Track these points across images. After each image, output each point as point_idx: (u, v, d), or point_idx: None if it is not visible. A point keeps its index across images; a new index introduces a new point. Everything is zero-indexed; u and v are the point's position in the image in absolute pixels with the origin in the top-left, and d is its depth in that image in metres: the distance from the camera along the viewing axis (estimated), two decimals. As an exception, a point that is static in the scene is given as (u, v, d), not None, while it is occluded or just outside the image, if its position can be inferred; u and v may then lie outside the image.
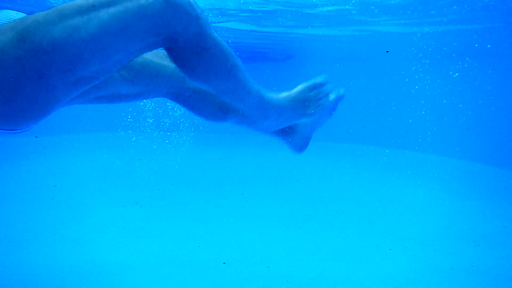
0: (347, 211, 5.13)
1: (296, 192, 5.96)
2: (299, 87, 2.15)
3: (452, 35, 9.54)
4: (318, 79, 2.16)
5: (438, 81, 10.67)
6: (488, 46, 9.93)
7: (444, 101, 10.37)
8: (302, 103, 2.15)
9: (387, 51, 10.84)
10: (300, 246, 3.89)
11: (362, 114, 11.70)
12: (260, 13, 8.37)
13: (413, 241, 4.15)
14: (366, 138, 10.90)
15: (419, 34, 9.46)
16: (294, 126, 2.30)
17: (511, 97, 9.38)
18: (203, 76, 1.56)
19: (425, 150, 9.91)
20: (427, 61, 10.99)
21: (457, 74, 10.41)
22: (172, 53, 1.44)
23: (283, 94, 2.10)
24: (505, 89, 9.56)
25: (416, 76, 11.05)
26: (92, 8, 1.24)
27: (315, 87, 2.15)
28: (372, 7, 7.49)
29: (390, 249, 3.89)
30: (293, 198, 5.62)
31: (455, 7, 7.40)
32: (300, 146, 2.45)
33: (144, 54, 1.48)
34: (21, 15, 1.34)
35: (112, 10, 1.25)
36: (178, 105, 2.03)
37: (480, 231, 4.58)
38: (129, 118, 10.60)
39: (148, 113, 11.06)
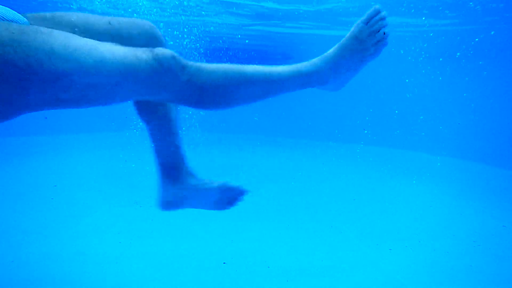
0: (347, 211, 5.13)
1: (296, 192, 5.95)
2: (351, 29, 1.96)
3: (454, 35, 9.54)
4: (371, 10, 1.94)
5: (439, 81, 10.68)
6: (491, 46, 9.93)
7: (444, 101, 10.38)
8: (358, 45, 1.97)
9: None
10: (300, 246, 3.89)
11: (362, 114, 11.71)
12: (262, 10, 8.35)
13: (413, 241, 4.15)
14: (366, 138, 10.90)
15: (425, 35, 9.46)
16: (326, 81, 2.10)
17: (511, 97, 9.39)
18: (223, 104, 1.61)
19: (425, 150, 9.91)
20: (427, 62, 11.00)
21: (457, 74, 10.42)
22: (173, 101, 1.53)
23: (330, 50, 1.97)
24: (505, 89, 9.56)
25: (416, 76, 11.06)
26: (96, 47, 1.28)
27: (368, 20, 1.93)
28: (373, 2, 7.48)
29: (390, 249, 3.89)
30: (293, 198, 5.62)
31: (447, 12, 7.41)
32: (336, 85, 2.17)
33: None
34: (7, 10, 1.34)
35: (113, 55, 1.30)
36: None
37: (480, 231, 4.58)
38: (129, 118, 10.59)
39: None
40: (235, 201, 2.25)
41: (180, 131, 2.01)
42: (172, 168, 2.13)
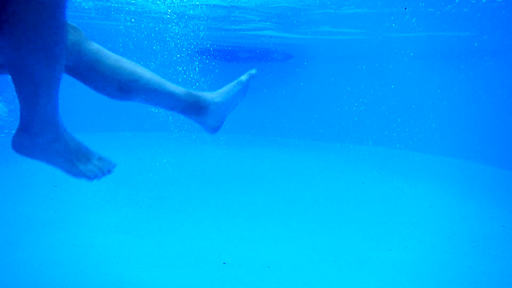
0: (347, 211, 5.13)
1: (296, 192, 5.95)
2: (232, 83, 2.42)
3: (457, 36, 9.55)
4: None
5: (439, 81, 10.67)
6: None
7: (445, 101, 10.38)
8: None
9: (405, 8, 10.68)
10: (300, 246, 3.89)
11: (362, 114, 11.70)
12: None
13: (413, 241, 4.15)
14: (367, 138, 10.90)
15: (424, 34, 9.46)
16: (206, 107, 2.33)
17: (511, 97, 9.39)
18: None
19: (425, 150, 9.92)
20: (427, 62, 11.00)
21: (458, 74, 10.41)
22: None
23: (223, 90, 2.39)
24: (505, 89, 9.55)
25: (417, 77, 11.05)
26: None
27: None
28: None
29: (389, 249, 3.89)
30: (293, 198, 5.62)
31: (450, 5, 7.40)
32: (213, 128, 2.44)
33: None
34: None
35: None
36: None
37: (480, 231, 4.58)
38: (130, 119, 10.61)
39: (149, 113, 11.06)
40: (104, 173, 2.42)
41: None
42: (32, 116, 1.98)
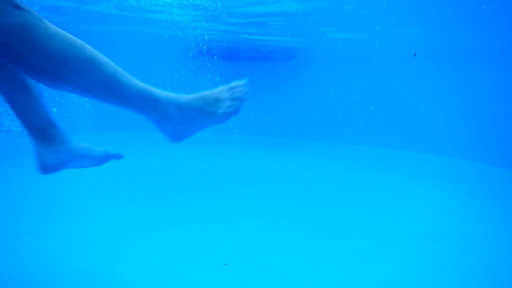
0: (349, 212, 5.11)
1: (298, 193, 5.94)
2: (217, 88, 2.18)
3: (453, 35, 9.52)
4: (239, 82, 2.18)
5: (439, 81, 10.65)
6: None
7: (445, 101, 10.36)
8: (213, 102, 2.13)
9: (415, 54, 10.82)
10: (301, 247, 3.88)
11: (364, 115, 11.68)
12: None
13: (415, 242, 4.13)
14: (368, 138, 10.88)
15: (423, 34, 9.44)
16: (165, 109, 2.19)
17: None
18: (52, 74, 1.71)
19: (428, 151, 9.90)
20: (428, 62, 10.98)
21: (458, 74, 10.39)
22: None
23: (189, 96, 2.13)
24: (505, 89, 9.53)
25: (417, 77, 11.03)
26: None
27: (232, 88, 2.15)
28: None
29: (391, 250, 3.88)
30: (294, 199, 5.61)
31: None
32: (173, 135, 2.27)
33: None
34: None
35: None
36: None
37: (483, 232, 4.56)
38: (130, 119, 10.57)
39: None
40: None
41: (40, 96, 1.96)
42: (41, 132, 2.10)
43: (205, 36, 10.69)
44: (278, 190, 6.06)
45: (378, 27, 8.89)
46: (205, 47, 12.31)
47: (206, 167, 7.48)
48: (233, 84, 2.17)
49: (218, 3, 7.67)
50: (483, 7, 7.12)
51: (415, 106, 10.92)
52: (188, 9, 8.26)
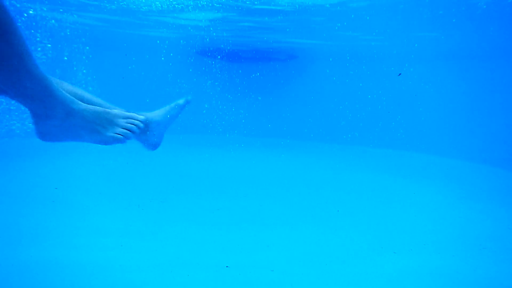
0: (351, 214, 5.09)
1: (300, 195, 5.92)
2: (114, 110, 2.23)
3: (454, 38, 9.51)
4: (140, 117, 2.31)
5: (439, 82, 10.64)
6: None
7: (445, 102, 10.34)
8: (105, 121, 2.18)
9: (399, 74, 10.88)
10: (303, 249, 3.86)
11: (366, 115, 11.66)
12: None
13: (418, 244, 4.10)
14: (369, 139, 10.86)
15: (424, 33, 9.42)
16: (148, 125, 2.40)
17: None
18: None
19: (431, 152, 9.87)
20: (428, 63, 10.97)
21: (457, 75, 10.37)
22: None
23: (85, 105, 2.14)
24: (505, 89, 9.51)
25: (418, 78, 11.02)
26: None
27: (128, 118, 2.24)
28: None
29: (394, 252, 3.85)
30: (296, 201, 5.59)
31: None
32: (154, 144, 2.54)
33: None
34: None
35: None
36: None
37: (486, 233, 4.53)
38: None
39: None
40: (134, 131, 2.35)
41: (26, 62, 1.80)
42: (34, 100, 1.99)
43: (207, 38, 10.69)
44: (281, 192, 6.05)
45: (381, 28, 8.88)
46: (206, 48, 12.32)
47: (207, 168, 7.47)
48: (131, 114, 2.27)
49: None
50: (484, 6, 7.11)
51: (415, 106, 10.90)
52: (189, 10, 8.25)
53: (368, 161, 9.13)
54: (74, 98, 2.08)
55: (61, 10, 8.65)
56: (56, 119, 2.02)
